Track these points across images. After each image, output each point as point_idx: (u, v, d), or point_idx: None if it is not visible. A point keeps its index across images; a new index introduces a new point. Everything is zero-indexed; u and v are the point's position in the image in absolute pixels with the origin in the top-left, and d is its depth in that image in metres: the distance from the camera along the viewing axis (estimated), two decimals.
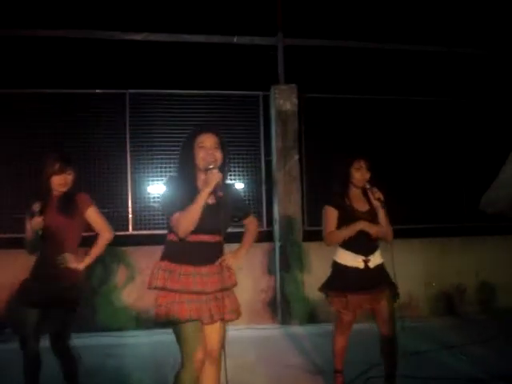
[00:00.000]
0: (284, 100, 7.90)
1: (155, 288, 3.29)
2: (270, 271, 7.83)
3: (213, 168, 3.28)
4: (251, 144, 8.07)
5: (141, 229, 7.70)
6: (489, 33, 8.77)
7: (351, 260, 4.25)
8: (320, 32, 8.44)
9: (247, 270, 7.75)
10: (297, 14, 8.31)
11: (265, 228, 7.97)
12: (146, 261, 7.51)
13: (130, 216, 7.66)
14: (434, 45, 8.83)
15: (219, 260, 3.40)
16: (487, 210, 8.68)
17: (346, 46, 8.63)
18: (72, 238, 4.19)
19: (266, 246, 7.89)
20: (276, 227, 7.86)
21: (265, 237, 7.93)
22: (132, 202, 7.70)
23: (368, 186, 4.21)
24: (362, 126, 8.19)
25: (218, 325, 3.38)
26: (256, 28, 8.28)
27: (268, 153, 8.04)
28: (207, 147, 3.34)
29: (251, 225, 3.78)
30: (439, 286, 8.11)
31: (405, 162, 8.23)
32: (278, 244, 7.77)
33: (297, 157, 7.89)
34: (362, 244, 4.22)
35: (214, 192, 3.27)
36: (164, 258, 3.37)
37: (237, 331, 7.24)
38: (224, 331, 3.45)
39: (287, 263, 7.70)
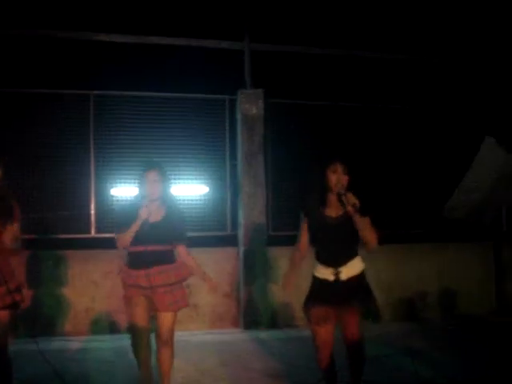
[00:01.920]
0: (250, 104, 7.91)
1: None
2: (234, 276, 7.81)
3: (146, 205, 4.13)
4: (217, 148, 8.05)
5: (104, 232, 7.59)
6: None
7: (322, 272, 4.08)
8: (287, 38, 8.47)
9: (211, 274, 7.62)
10: (264, 19, 8.32)
11: (229, 232, 7.96)
12: (109, 264, 7.43)
13: (93, 219, 7.56)
14: (403, 53, 8.94)
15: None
16: (450, 216, 8.89)
17: (312, 53, 8.67)
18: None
19: (230, 250, 7.88)
20: (240, 232, 7.84)
21: (229, 241, 7.92)
22: (95, 204, 7.60)
23: (342, 192, 3.94)
24: (327, 133, 8.25)
25: (163, 314, 4.24)
26: (223, 32, 8.27)
27: (233, 157, 8.03)
28: (150, 181, 4.21)
29: (182, 255, 4.39)
30: (401, 292, 8.19)
31: (366, 168, 8.28)
32: (242, 249, 7.76)
33: (262, 161, 7.89)
34: (331, 254, 4.04)
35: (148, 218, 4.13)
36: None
37: (199, 336, 7.23)
38: (169, 319, 4.27)
39: (251, 268, 7.69)
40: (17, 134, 7.43)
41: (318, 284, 4.11)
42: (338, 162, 4.03)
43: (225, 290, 7.77)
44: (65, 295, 7.27)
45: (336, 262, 4.01)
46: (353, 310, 4.03)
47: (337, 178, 3.97)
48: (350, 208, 3.90)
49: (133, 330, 4.36)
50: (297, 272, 4.24)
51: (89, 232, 7.55)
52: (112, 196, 7.69)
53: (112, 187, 7.69)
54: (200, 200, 7.95)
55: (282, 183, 8.02)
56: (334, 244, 4.03)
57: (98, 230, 7.57)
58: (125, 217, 4.23)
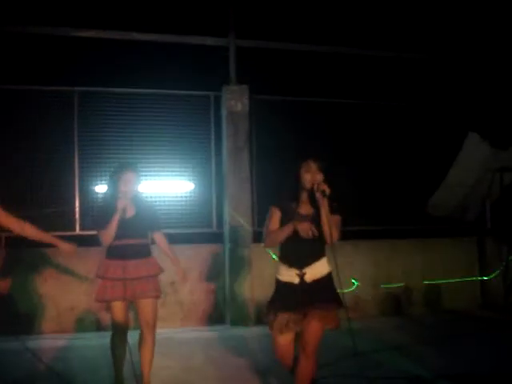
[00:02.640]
0: (235, 101, 7.89)
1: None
2: (220, 272, 7.80)
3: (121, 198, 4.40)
4: (202, 144, 8.04)
5: (88, 229, 7.53)
6: (437, 38, 8.95)
7: (285, 274, 3.94)
8: (272, 34, 8.45)
9: (196, 271, 7.71)
10: (249, 16, 8.30)
11: (214, 229, 7.94)
12: (94, 261, 7.36)
13: (77, 216, 7.51)
14: (385, 50, 8.96)
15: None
16: (434, 212, 8.95)
17: (297, 49, 8.67)
18: None
19: (215, 247, 7.87)
20: (226, 228, 7.83)
21: (215, 238, 7.90)
22: (79, 201, 7.55)
23: (316, 184, 3.84)
24: (313, 129, 8.26)
25: (143, 301, 4.51)
26: (208, 28, 8.24)
27: (219, 153, 8.01)
28: (126, 181, 4.50)
29: (159, 241, 4.77)
30: (386, 287, 8.23)
31: (353, 164, 8.32)
32: (227, 245, 7.75)
33: (247, 157, 7.89)
34: (296, 254, 3.90)
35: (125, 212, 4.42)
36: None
37: (185, 333, 7.22)
38: (150, 306, 4.54)
39: (237, 264, 7.68)
40: (1, 131, 7.37)
41: (281, 287, 3.96)
42: (311, 161, 3.95)
43: (210, 286, 7.76)
44: (49, 293, 7.22)
45: (301, 262, 3.89)
46: (315, 315, 3.83)
47: (311, 176, 3.90)
48: (318, 194, 3.81)
49: (113, 324, 4.57)
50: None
51: (73, 229, 7.50)
52: (96, 193, 7.64)
53: (96, 184, 7.64)
54: (185, 197, 7.92)
55: (267, 179, 8.01)
56: (301, 243, 3.85)
57: (83, 228, 7.52)
58: (103, 214, 4.48)
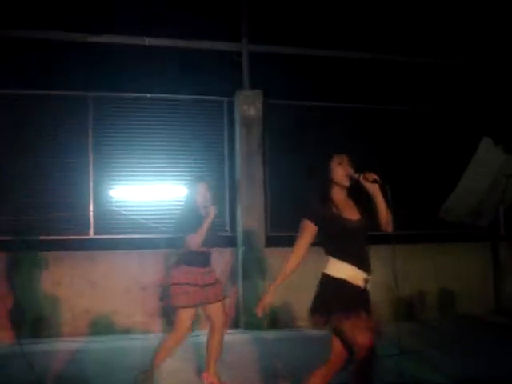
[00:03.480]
0: (248, 105, 7.93)
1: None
2: (233, 276, 7.81)
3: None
4: (215, 149, 8.08)
5: (102, 233, 7.59)
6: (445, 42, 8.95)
7: (352, 276, 3.49)
8: (285, 39, 8.47)
9: None
10: (262, 21, 8.33)
11: (228, 233, 7.96)
12: (108, 265, 7.45)
13: (92, 220, 7.56)
14: (398, 54, 8.95)
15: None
16: (447, 217, 8.91)
17: (310, 54, 8.68)
18: None
19: (229, 251, 7.87)
20: (239, 232, 7.84)
21: (228, 242, 7.91)
22: (94, 205, 7.59)
23: (358, 175, 3.54)
24: (325, 133, 8.26)
25: (218, 304, 4.86)
26: (222, 33, 8.27)
27: (232, 158, 8.04)
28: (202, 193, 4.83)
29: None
30: (400, 292, 8.18)
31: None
32: (241, 249, 7.76)
33: (260, 162, 7.90)
34: (360, 257, 3.55)
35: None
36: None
37: (200, 336, 7.19)
38: (223, 307, 4.95)
39: (250, 268, 7.69)
40: (15, 135, 7.46)
41: (348, 289, 3.46)
42: (344, 155, 3.68)
43: (224, 290, 7.75)
44: (64, 296, 7.26)
45: (366, 267, 3.55)
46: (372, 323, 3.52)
47: (344, 169, 3.57)
48: (371, 186, 3.53)
49: (181, 328, 4.81)
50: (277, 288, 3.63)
51: (87, 233, 7.55)
52: (111, 197, 7.68)
53: (111, 188, 7.69)
54: None
55: (280, 183, 8.03)
56: (363, 245, 3.61)
57: (97, 231, 7.57)
58: (188, 220, 4.74)
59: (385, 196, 3.60)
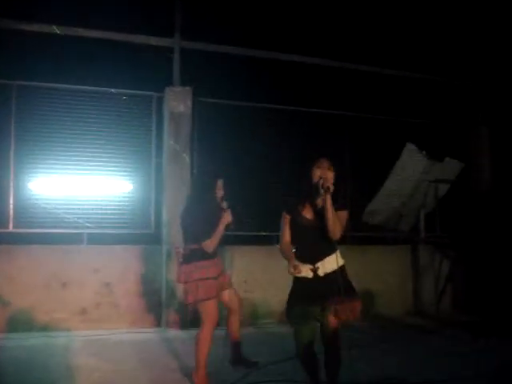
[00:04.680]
0: (178, 102, 7.87)
1: None
2: (156, 274, 7.74)
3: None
4: (143, 145, 7.96)
5: (22, 227, 7.37)
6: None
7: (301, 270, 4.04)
8: (218, 37, 8.46)
9: (133, 272, 7.64)
10: (197, 18, 8.29)
11: (153, 230, 7.88)
12: (27, 260, 7.25)
13: (11, 213, 7.32)
14: (329, 59, 9.11)
15: None
16: (370, 220, 9.11)
17: (242, 54, 8.70)
18: None
19: (153, 248, 7.80)
20: (164, 230, 7.78)
21: (152, 239, 7.84)
22: (14, 198, 7.35)
23: (320, 180, 4.02)
24: (254, 134, 8.28)
25: (231, 289, 5.37)
26: (153, 28, 8.18)
27: (159, 155, 7.96)
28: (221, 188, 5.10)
29: None
30: None
31: (292, 169, 8.33)
32: (165, 247, 7.69)
33: (188, 160, 7.86)
34: (309, 251, 4.08)
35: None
36: None
37: (119, 334, 7.13)
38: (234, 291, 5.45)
39: (173, 267, 7.63)
40: None
41: (296, 283, 4.13)
42: (324, 158, 4.15)
43: (147, 288, 7.69)
44: None
45: (313, 258, 4.05)
46: (330, 308, 4.01)
47: (321, 171, 4.06)
48: (322, 190, 3.97)
49: (213, 318, 5.06)
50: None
51: (7, 226, 7.31)
52: (32, 190, 7.46)
53: (32, 181, 7.46)
54: (124, 197, 7.82)
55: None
56: (313, 241, 4.09)
57: (16, 225, 7.33)
58: (207, 224, 4.94)
59: (337, 208, 4.01)
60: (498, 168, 9.44)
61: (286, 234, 4.19)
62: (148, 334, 7.25)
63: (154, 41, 8.19)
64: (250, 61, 8.74)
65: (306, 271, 4.03)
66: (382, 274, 8.75)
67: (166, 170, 7.80)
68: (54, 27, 7.70)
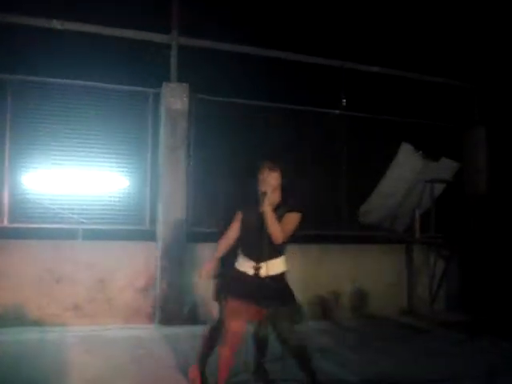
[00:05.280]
0: (175, 98, 7.84)
1: None
2: (151, 270, 7.72)
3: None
4: (139, 141, 7.91)
5: (16, 222, 7.34)
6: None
7: (243, 265, 4.22)
8: (215, 34, 8.44)
9: (127, 268, 7.63)
10: (193, 14, 8.26)
11: (148, 227, 7.86)
12: (20, 255, 7.22)
13: (6, 208, 7.29)
14: (325, 57, 9.11)
15: None
16: (365, 219, 9.13)
17: (240, 52, 8.69)
18: None
19: (148, 245, 7.78)
20: (159, 226, 7.75)
21: (147, 236, 7.83)
22: (9, 193, 7.32)
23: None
24: (250, 131, 8.27)
25: None
26: (151, 24, 8.15)
27: (155, 151, 7.93)
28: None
29: None
30: (315, 291, 8.32)
31: (286, 167, 8.33)
32: (160, 244, 7.68)
33: (184, 156, 7.84)
34: (254, 249, 4.13)
35: None
36: None
37: (113, 331, 7.13)
38: None
39: (169, 263, 7.63)
40: None
41: (236, 275, 4.22)
42: (266, 163, 4.28)
43: (141, 284, 7.68)
44: None
45: (258, 257, 4.09)
46: (266, 311, 4.11)
47: (262, 177, 4.21)
48: (260, 194, 4.12)
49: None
50: (216, 262, 4.42)
51: (1, 221, 7.27)
52: (27, 185, 7.43)
53: (27, 176, 7.43)
54: (119, 193, 7.79)
55: (202, 180, 8.01)
56: (260, 239, 4.08)
57: (11, 220, 7.30)
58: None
59: (287, 210, 4.24)
60: (495, 168, 9.44)
61: (231, 230, 4.37)
62: (142, 331, 7.24)
63: (151, 37, 8.17)
64: (246, 58, 8.72)
65: (248, 267, 4.17)
66: (375, 274, 8.75)
67: (162, 167, 7.77)
68: (51, 21, 7.67)
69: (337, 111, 9.12)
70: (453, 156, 9.49)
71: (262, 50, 8.77)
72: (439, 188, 9.37)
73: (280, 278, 4.19)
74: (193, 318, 7.67)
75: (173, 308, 7.59)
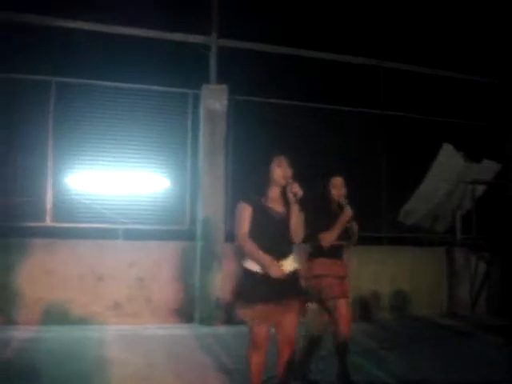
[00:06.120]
0: (214, 100, 7.89)
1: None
2: (191, 270, 7.78)
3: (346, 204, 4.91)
4: (179, 142, 8.02)
5: (59, 221, 7.49)
6: None
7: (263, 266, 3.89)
8: (254, 35, 8.48)
9: (167, 267, 7.70)
10: (233, 16, 8.30)
11: (187, 227, 7.93)
12: (63, 254, 7.35)
13: (49, 207, 7.44)
14: (364, 56, 9.08)
15: None
16: (406, 220, 9.03)
17: (278, 52, 8.72)
18: None
19: (187, 244, 7.85)
20: (198, 226, 7.82)
21: (187, 236, 7.89)
22: (52, 193, 7.48)
23: (289, 181, 3.93)
24: (288, 132, 8.27)
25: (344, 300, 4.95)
26: (191, 26, 8.23)
27: (195, 152, 8.00)
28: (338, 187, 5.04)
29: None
30: (356, 292, 8.26)
31: (319, 169, 8.24)
32: (199, 243, 7.74)
33: (223, 157, 7.89)
34: (273, 247, 3.90)
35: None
36: None
37: (152, 329, 7.21)
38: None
39: (208, 263, 7.68)
40: None
41: (257, 278, 3.87)
42: (283, 156, 4.08)
43: (181, 284, 7.74)
44: (17, 284, 7.12)
45: (279, 254, 3.89)
46: (294, 306, 3.93)
47: (282, 170, 3.97)
48: (290, 195, 3.92)
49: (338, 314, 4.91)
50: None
51: (44, 221, 7.43)
52: (69, 185, 7.58)
53: (70, 176, 7.58)
54: (159, 193, 7.90)
55: (241, 180, 8.03)
56: (277, 236, 3.93)
57: (54, 219, 7.46)
58: (321, 218, 4.85)
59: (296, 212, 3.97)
60: None
61: (246, 226, 3.93)
62: (181, 330, 7.30)
63: (191, 39, 8.26)
64: (285, 58, 8.75)
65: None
66: (416, 275, 8.67)
67: (202, 167, 7.83)
68: (96, 25, 7.82)
69: (376, 111, 9.07)
70: (495, 157, 9.34)
71: (300, 50, 8.80)
72: (480, 189, 9.23)
73: (297, 274, 4.02)
74: (231, 318, 7.69)
75: (211, 308, 7.63)
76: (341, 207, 4.95)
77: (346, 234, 4.98)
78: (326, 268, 4.89)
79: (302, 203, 3.96)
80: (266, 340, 3.95)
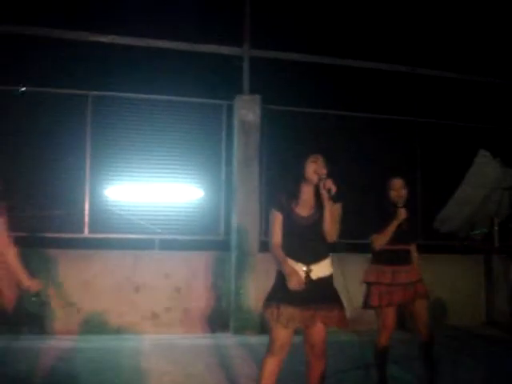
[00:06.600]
0: (247, 110, 7.94)
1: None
2: (225, 280, 7.83)
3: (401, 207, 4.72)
4: (213, 152, 8.09)
5: (97, 232, 7.61)
6: None
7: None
8: (286, 45, 8.52)
9: (203, 277, 7.75)
10: (265, 26, 8.36)
11: (222, 237, 7.98)
12: (101, 264, 7.47)
13: (87, 219, 7.57)
14: (399, 64, 9.04)
15: None
16: (441, 227, 8.92)
17: (310, 61, 8.74)
18: None
19: (222, 254, 7.90)
20: (233, 236, 7.86)
21: (221, 246, 7.94)
22: (89, 204, 7.61)
23: (323, 177, 3.75)
24: (323, 141, 8.27)
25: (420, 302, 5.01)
26: (224, 37, 8.31)
27: (229, 162, 8.06)
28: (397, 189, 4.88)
29: (414, 252, 5.14)
30: None
31: (354, 178, 8.19)
32: (234, 253, 7.78)
33: (257, 167, 7.93)
34: (303, 250, 3.79)
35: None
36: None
37: (188, 339, 7.25)
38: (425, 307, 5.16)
39: (242, 273, 7.71)
40: (13, 131, 7.46)
41: (281, 280, 3.77)
42: (320, 155, 3.90)
43: (216, 294, 7.79)
44: (56, 294, 7.24)
45: (308, 259, 3.78)
46: (321, 313, 3.77)
47: (316, 166, 3.80)
48: (323, 192, 3.74)
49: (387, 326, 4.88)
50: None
51: (82, 232, 7.56)
52: (106, 196, 7.70)
53: (107, 188, 7.71)
54: (194, 203, 7.97)
55: (276, 190, 8.04)
56: (308, 239, 3.81)
57: (91, 230, 7.58)
58: (375, 219, 4.85)
59: (329, 209, 3.79)
60: None
61: (279, 235, 3.86)
62: (217, 339, 7.33)
63: (223, 50, 8.34)
64: (318, 68, 8.76)
65: (299, 271, 3.75)
66: (453, 284, 8.55)
67: (236, 178, 7.88)
68: (131, 39, 7.95)
69: (409, 118, 9.02)
70: None
71: (333, 58, 8.79)
72: None
73: (330, 280, 3.88)
74: (265, 328, 7.68)
75: (247, 317, 7.65)
76: (397, 209, 4.76)
77: (407, 237, 4.86)
78: (375, 276, 4.82)
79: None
80: (284, 348, 3.80)
